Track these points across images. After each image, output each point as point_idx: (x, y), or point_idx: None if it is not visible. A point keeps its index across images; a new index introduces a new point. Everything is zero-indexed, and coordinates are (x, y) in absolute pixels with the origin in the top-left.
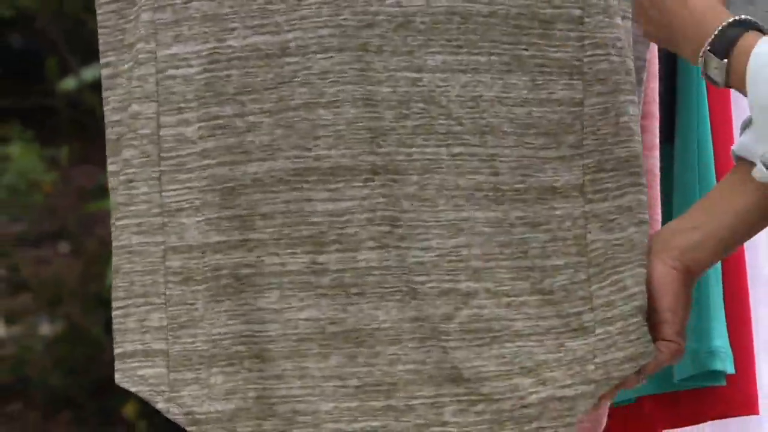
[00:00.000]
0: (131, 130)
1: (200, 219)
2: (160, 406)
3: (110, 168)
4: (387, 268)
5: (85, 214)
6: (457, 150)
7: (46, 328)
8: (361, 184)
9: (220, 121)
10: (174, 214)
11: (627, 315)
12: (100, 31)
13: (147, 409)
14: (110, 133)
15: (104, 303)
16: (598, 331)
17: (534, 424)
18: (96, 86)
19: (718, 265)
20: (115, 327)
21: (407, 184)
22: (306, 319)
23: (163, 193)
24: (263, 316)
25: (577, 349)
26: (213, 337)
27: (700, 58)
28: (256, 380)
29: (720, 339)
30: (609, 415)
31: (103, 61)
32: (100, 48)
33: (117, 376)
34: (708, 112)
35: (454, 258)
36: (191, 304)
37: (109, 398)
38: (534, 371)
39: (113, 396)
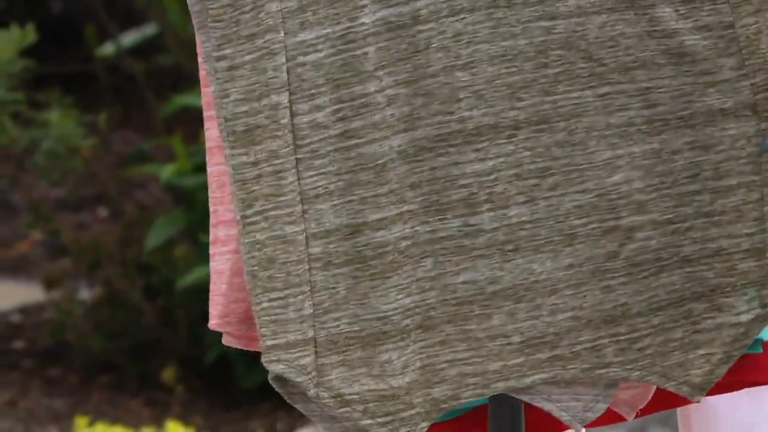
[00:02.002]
0: (273, 122)
1: (335, 202)
2: (311, 392)
3: (241, 159)
4: (537, 221)
5: (124, 179)
6: (603, 90)
7: (85, 293)
8: (505, 140)
9: (363, 100)
10: (312, 201)
11: None
12: (214, 25)
13: (185, 374)
14: (237, 125)
15: (143, 268)
16: None
17: (701, 350)
18: (135, 52)
19: None
20: (271, 318)
21: (556, 131)
22: (464, 282)
23: (301, 181)
24: (422, 285)
25: (749, 272)
26: (382, 315)
27: None
28: (420, 350)
29: None
30: None
31: (219, 53)
32: (216, 42)
33: (280, 367)
34: None
35: (614, 196)
36: (333, 288)
37: (148, 363)
38: (707, 296)
39: (152, 360)
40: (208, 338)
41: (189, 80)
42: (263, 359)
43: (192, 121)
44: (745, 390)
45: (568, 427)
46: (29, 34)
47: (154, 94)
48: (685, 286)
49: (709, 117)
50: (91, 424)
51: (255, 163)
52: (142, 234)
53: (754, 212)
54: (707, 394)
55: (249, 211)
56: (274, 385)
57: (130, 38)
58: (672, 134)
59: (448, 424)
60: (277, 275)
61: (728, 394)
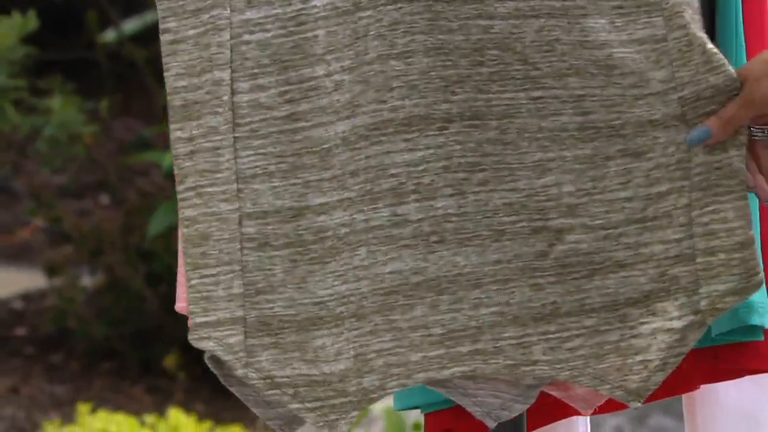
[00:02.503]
0: (215, 97)
1: (275, 184)
2: (239, 372)
3: (177, 134)
4: (465, 214)
5: (125, 166)
6: (536, 93)
7: (87, 280)
8: (435, 132)
9: (312, 83)
10: (248, 181)
11: (729, 249)
12: None
13: (187, 361)
14: (175, 99)
15: (145, 255)
16: (699, 259)
17: (640, 356)
18: (136, 39)
19: (756, 220)
20: (202, 295)
21: (488, 129)
22: (391, 272)
23: (238, 160)
24: (357, 274)
25: (680, 277)
26: (318, 300)
27: None
28: (354, 339)
29: (758, 294)
30: None
31: (163, 26)
32: (160, 14)
33: (210, 344)
34: (745, 47)
35: (542, 197)
36: (268, 269)
37: (150, 350)
38: (642, 302)
39: (154, 347)
40: None
41: None
42: (191, 337)
43: None
44: (749, 377)
45: (570, 414)
46: (31, 21)
47: (155, 81)
48: (620, 291)
49: (638, 127)
50: (93, 410)
51: (190, 139)
52: (144, 221)
53: (682, 218)
54: (708, 383)
55: (181, 187)
56: (210, 366)
57: (131, 25)
58: (604, 142)
59: (445, 412)
60: (211, 252)
61: (732, 381)
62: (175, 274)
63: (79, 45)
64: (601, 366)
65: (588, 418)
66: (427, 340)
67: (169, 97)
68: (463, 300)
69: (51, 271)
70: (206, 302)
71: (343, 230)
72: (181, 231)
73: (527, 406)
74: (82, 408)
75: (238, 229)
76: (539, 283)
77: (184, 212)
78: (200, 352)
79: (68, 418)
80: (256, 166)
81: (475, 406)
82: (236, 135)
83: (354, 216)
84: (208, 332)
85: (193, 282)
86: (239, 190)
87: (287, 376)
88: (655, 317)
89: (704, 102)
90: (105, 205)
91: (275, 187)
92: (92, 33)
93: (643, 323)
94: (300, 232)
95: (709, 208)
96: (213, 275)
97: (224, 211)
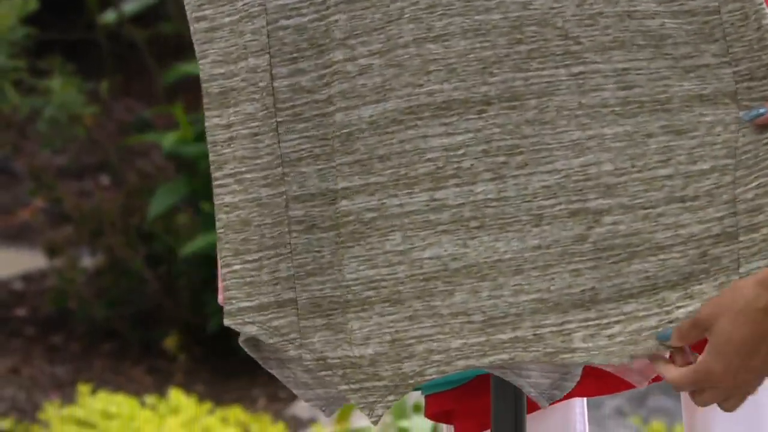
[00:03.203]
0: (251, 84)
1: (321, 167)
2: (291, 353)
3: (214, 121)
4: (505, 199)
5: (126, 147)
6: (577, 69)
7: (87, 261)
8: (475, 116)
9: (335, 67)
10: (294, 164)
11: None
12: None
13: (187, 342)
14: (212, 87)
15: (145, 236)
16: (741, 237)
17: None
18: (136, 19)
19: None
20: (246, 280)
21: (527, 109)
22: (430, 258)
23: (282, 144)
24: (390, 259)
25: (721, 257)
26: (346, 284)
27: None
28: (390, 324)
29: None
30: None
31: (197, 14)
32: (196, 2)
33: (254, 329)
34: None
35: (581, 177)
36: (317, 251)
37: (150, 331)
38: (680, 285)
39: (154, 328)
40: (210, 306)
41: (191, 48)
42: (229, 321)
43: (194, 89)
44: None
45: (567, 396)
46: (31, 2)
47: (155, 62)
48: (659, 274)
49: (686, 102)
50: (94, 391)
51: (228, 126)
52: (144, 202)
53: (725, 195)
54: None
55: (219, 173)
56: (246, 349)
57: (131, 6)
58: (647, 117)
59: (445, 394)
60: (252, 238)
61: None
62: (176, 255)
63: (79, 25)
64: (639, 351)
65: (585, 399)
66: (467, 327)
67: (205, 84)
68: (504, 287)
69: (51, 251)
70: (250, 287)
71: (369, 215)
72: (219, 217)
73: (574, 383)
74: (83, 389)
75: (285, 212)
76: (578, 268)
77: (224, 198)
78: (200, 334)
79: (69, 398)
80: (302, 149)
81: (530, 388)
82: (278, 120)
83: (384, 201)
84: (252, 317)
85: (236, 267)
86: (284, 174)
87: (338, 358)
88: (692, 300)
89: (757, 83)
90: (105, 185)
91: (321, 169)
92: (92, 13)
93: (680, 307)
94: (338, 215)
95: (754, 183)
96: (255, 260)
97: (265, 197)
